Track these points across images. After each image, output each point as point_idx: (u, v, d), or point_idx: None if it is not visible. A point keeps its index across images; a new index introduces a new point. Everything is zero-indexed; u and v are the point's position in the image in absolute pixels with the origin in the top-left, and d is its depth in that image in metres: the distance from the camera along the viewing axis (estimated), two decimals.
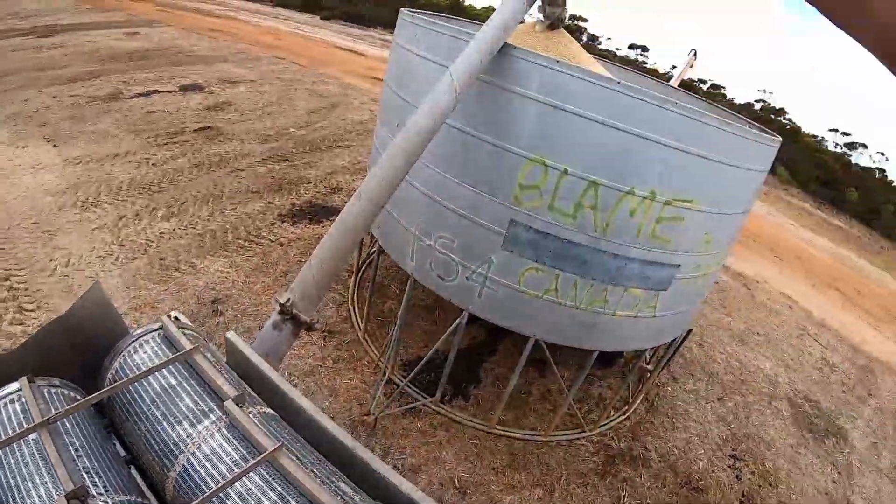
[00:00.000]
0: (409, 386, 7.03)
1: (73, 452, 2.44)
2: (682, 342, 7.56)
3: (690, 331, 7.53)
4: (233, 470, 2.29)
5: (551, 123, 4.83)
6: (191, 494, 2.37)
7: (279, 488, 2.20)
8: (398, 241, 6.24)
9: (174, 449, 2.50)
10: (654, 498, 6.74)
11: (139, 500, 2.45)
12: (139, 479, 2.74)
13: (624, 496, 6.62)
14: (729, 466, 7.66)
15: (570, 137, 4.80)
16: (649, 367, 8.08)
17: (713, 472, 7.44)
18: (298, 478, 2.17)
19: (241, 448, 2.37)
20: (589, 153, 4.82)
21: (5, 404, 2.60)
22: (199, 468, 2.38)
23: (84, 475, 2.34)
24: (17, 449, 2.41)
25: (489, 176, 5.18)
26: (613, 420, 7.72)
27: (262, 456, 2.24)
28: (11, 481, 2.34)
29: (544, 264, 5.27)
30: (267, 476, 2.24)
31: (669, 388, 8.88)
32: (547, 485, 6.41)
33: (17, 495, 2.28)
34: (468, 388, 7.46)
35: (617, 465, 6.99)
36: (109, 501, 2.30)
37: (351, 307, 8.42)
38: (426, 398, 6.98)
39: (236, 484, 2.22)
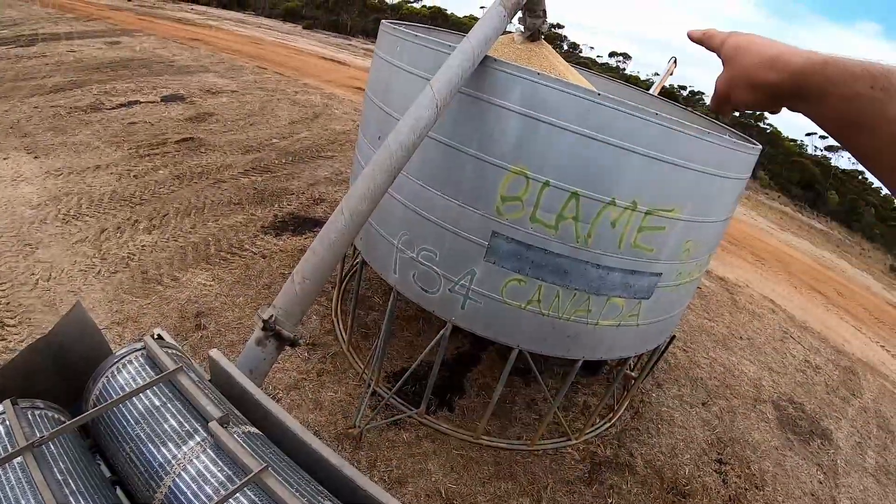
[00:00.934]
0: (394, 398, 7.04)
1: (58, 476, 2.42)
2: (665, 349, 7.62)
3: (674, 337, 7.58)
4: (219, 491, 2.29)
5: (532, 135, 4.86)
6: None
7: None
8: (381, 254, 6.24)
9: (160, 470, 2.49)
10: None
11: None
12: (125, 501, 2.73)
13: (610, 502, 6.65)
14: (715, 471, 7.71)
15: (551, 149, 4.84)
16: (634, 373, 8.14)
17: (699, 476, 7.49)
18: (284, 498, 2.18)
19: (226, 469, 2.37)
20: (570, 165, 4.85)
21: None
22: (185, 489, 2.38)
23: (71, 499, 2.33)
24: (1, 473, 2.40)
25: (471, 188, 5.21)
26: (599, 428, 7.76)
27: (247, 477, 2.24)
28: None
29: (526, 275, 5.30)
30: (253, 496, 2.25)
31: (654, 395, 8.93)
32: (534, 494, 6.42)
33: None
34: (453, 399, 7.48)
35: (603, 473, 7.02)
36: None
37: (335, 319, 8.41)
38: (411, 410, 6.98)
39: None
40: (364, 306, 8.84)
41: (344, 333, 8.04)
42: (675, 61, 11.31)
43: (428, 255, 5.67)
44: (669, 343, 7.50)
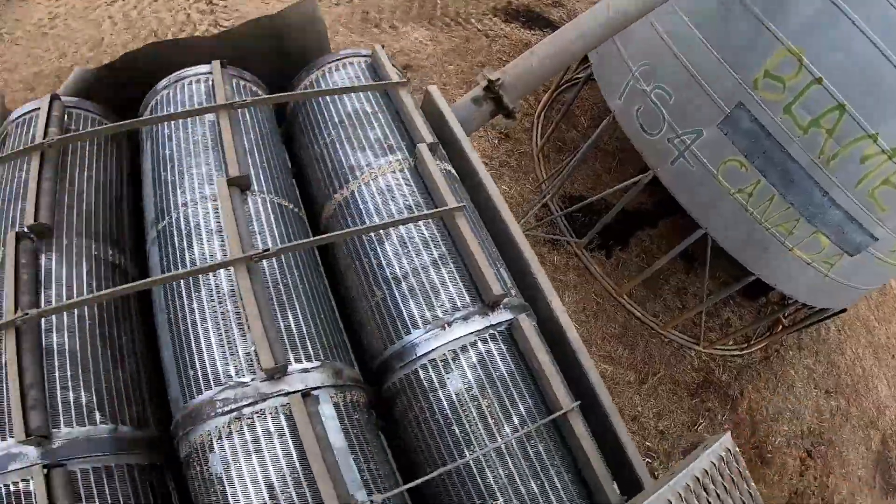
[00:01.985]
0: (561, 219, 7.01)
1: (245, 144, 2.44)
2: (829, 316, 7.11)
3: (844, 310, 7.00)
4: (402, 212, 2.22)
5: (828, 22, 4.25)
6: (349, 220, 2.35)
7: (443, 247, 2.13)
8: (612, 75, 5.88)
9: (348, 173, 2.46)
10: None
11: (293, 207, 2.45)
12: (296, 191, 2.75)
13: (700, 423, 6.51)
14: (800, 458, 7.32)
15: (841, 46, 4.23)
16: (786, 321, 7.68)
17: (785, 453, 7.17)
18: (466, 237, 2.08)
19: (417, 194, 2.29)
20: (852, 73, 4.25)
21: (190, 83, 2.62)
22: (368, 199, 2.34)
23: (251, 169, 2.34)
24: (190, 125, 2.43)
25: (737, 45, 4.69)
26: (728, 350, 7.50)
27: (441, 209, 2.14)
28: (176, 155, 2.38)
29: (752, 163, 4.86)
30: (435, 231, 2.17)
31: (790, 353, 8.41)
32: (641, 373, 6.39)
33: (177, 168, 2.33)
34: (614, 248, 7.37)
35: (709, 392, 6.84)
36: (267, 199, 2.30)
37: (535, 121, 8.27)
38: (573, 237, 6.93)
39: (401, 227, 2.16)
40: (568, 122, 8.55)
41: (539, 138, 7.91)
42: None
43: (661, 95, 5.26)
44: (837, 314, 6.98)
